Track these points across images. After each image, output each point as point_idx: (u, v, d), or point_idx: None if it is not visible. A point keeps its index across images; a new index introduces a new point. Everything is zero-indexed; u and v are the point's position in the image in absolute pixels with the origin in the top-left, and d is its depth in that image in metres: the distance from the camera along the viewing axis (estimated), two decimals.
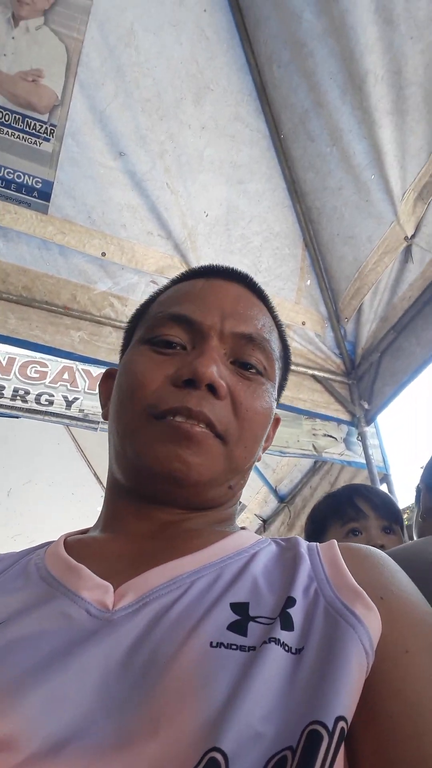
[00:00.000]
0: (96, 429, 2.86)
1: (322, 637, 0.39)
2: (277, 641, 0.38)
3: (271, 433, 0.66)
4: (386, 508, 1.33)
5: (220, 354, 0.55)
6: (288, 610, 0.41)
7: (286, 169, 2.16)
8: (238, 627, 0.39)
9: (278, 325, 0.66)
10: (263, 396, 0.57)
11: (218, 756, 0.31)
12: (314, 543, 0.52)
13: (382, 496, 1.38)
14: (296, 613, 0.41)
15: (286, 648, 0.38)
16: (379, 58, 1.68)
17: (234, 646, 0.38)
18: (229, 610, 0.41)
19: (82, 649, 0.38)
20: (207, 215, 2.16)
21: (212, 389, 0.52)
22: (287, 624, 0.40)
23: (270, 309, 0.65)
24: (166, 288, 0.67)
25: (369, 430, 2.59)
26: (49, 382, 2.82)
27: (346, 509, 1.33)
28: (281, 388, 0.69)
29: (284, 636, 0.39)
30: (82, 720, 0.33)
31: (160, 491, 0.52)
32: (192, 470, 0.50)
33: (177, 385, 0.53)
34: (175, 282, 0.66)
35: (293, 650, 0.38)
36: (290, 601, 0.42)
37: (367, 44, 1.66)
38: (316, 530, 1.38)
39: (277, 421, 0.67)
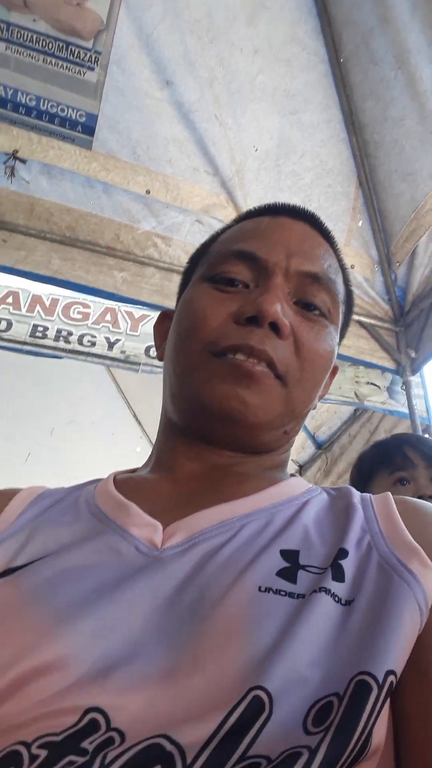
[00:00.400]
0: (137, 370, 2.88)
1: (375, 591, 0.39)
2: (328, 591, 0.38)
3: (328, 381, 0.64)
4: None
5: (285, 293, 0.54)
6: (340, 561, 0.41)
7: (344, 98, 2.00)
8: (288, 574, 0.40)
9: (343, 268, 0.64)
10: (326, 339, 0.56)
11: (262, 694, 0.31)
12: (368, 494, 0.51)
13: (431, 444, 1.35)
14: (348, 564, 0.41)
15: (336, 599, 0.38)
16: None
17: (283, 592, 0.38)
18: (278, 556, 0.41)
19: (131, 584, 0.38)
20: (257, 149, 2.05)
21: (275, 328, 0.51)
22: (338, 575, 0.40)
23: (336, 250, 0.63)
24: (229, 227, 0.65)
25: (414, 379, 2.52)
26: (92, 323, 2.83)
27: (395, 458, 1.30)
28: (342, 335, 0.67)
29: (335, 587, 0.39)
30: (130, 648, 0.34)
31: (215, 431, 0.52)
32: (250, 411, 0.49)
33: (239, 322, 0.51)
34: (238, 221, 0.65)
35: (343, 601, 0.38)
36: (342, 553, 0.42)
37: None
38: (362, 478, 1.37)
39: (335, 369, 0.65)
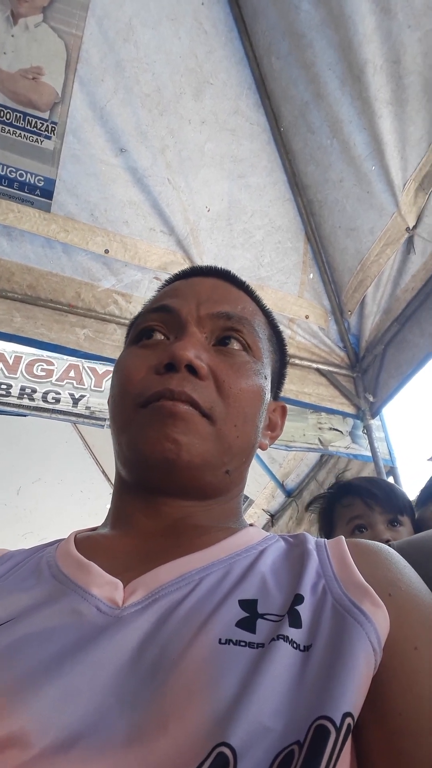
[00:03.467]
0: (103, 426, 2.87)
1: (330, 634, 0.39)
2: (286, 638, 0.38)
3: (278, 420, 0.66)
4: (390, 501, 1.30)
5: (200, 339, 0.57)
6: (296, 608, 0.41)
7: (287, 162, 2.15)
8: (247, 624, 0.40)
9: (264, 311, 0.67)
10: (248, 372, 0.57)
11: (227, 751, 0.31)
12: (322, 539, 0.52)
13: (386, 488, 1.35)
14: (304, 610, 0.41)
15: (295, 645, 0.38)
16: (378, 47, 1.67)
17: (243, 643, 0.38)
18: (237, 606, 0.41)
19: (92, 646, 0.38)
20: (209, 210, 2.16)
21: (192, 371, 0.53)
22: (295, 621, 0.40)
23: (253, 297, 0.66)
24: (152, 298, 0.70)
25: (374, 422, 2.58)
26: (56, 380, 2.84)
27: (349, 506, 1.31)
28: (281, 376, 0.70)
29: (292, 633, 0.39)
30: (93, 716, 0.34)
31: (159, 479, 0.52)
32: (182, 449, 0.50)
33: (159, 372, 0.54)
34: (159, 290, 0.69)
35: (301, 647, 0.38)
36: (298, 599, 0.42)
37: (366, 34, 1.66)
38: (324, 528, 1.37)
39: (283, 409, 0.67)
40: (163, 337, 0.58)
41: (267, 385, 0.61)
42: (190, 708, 0.34)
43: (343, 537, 0.51)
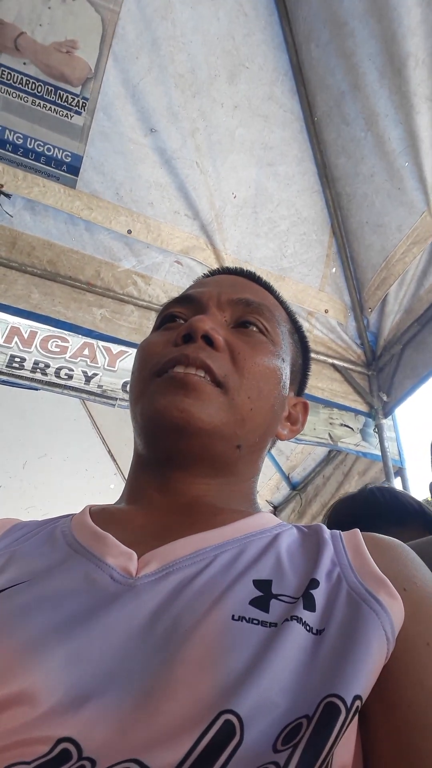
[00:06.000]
0: (114, 405, 2.88)
1: (344, 620, 0.39)
2: (299, 620, 0.38)
3: (299, 416, 0.66)
4: (393, 512, 1.29)
5: (219, 320, 0.58)
6: (311, 591, 0.42)
7: (318, 153, 2.12)
8: (261, 603, 0.40)
9: (287, 310, 0.69)
10: (264, 351, 0.58)
11: (233, 718, 0.32)
12: (337, 531, 0.52)
13: (391, 499, 1.33)
14: (319, 594, 0.42)
15: (308, 627, 0.38)
16: (422, 41, 1.63)
17: (256, 621, 0.38)
18: (251, 585, 0.42)
19: (104, 612, 0.39)
20: (235, 196, 2.13)
21: (209, 341, 0.54)
22: (309, 604, 0.40)
23: (275, 295, 0.68)
24: None
25: (386, 422, 2.56)
26: (70, 357, 2.84)
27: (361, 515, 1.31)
28: (304, 374, 0.70)
29: (306, 616, 0.39)
30: (102, 678, 0.34)
31: (168, 447, 0.53)
32: (193, 418, 0.50)
33: (177, 344, 0.55)
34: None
35: (314, 630, 0.39)
36: (313, 583, 0.43)
37: (410, 26, 1.61)
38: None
39: (305, 405, 0.67)
40: (183, 320, 0.60)
41: (285, 368, 0.61)
42: (199, 677, 0.34)
43: (358, 530, 0.51)
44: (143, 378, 0.56)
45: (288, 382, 0.62)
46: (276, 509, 3.70)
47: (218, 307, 0.59)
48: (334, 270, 2.36)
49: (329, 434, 2.78)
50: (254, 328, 0.59)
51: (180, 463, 0.54)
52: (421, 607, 0.42)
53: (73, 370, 2.78)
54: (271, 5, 1.91)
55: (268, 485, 3.67)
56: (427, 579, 0.46)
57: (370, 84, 1.80)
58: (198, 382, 0.52)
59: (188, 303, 0.61)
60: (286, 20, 1.92)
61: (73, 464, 4.26)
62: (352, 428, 2.80)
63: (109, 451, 4.31)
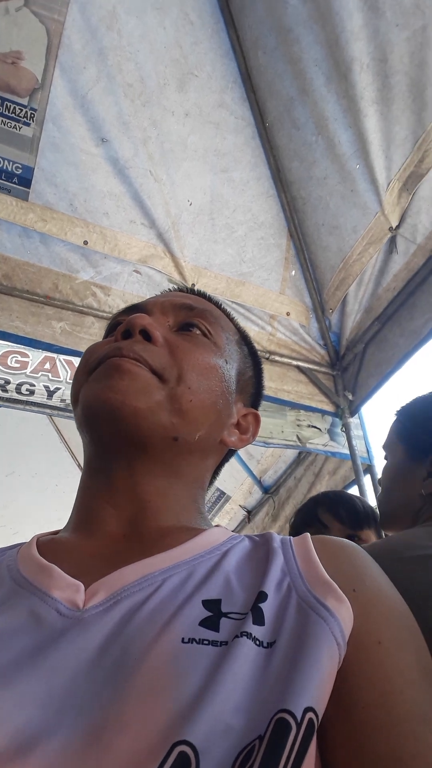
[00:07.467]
0: None
1: (294, 631, 0.39)
2: (248, 635, 0.38)
3: (249, 426, 0.65)
4: (350, 517, 1.29)
5: (161, 322, 0.59)
6: (259, 605, 0.41)
7: (271, 158, 2.13)
8: (210, 623, 0.39)
9: (234, 322, 0.69)
10: (206, 349, 0.58)
11: (188, 749, 0.30)
12: (288, 537, 0.52)
13: (347, 504, 1.34)
14: (268, 607, 0.41)
15: (257, 642, 0.38)
16: (365, 45, 1.66)
17: (206, 642, 0.38)
18: (201, 606, 0.41)
19: (52, 649, 0.37)
20: (191, 204, 2.13)
21: (147, 337, 0.54)
22: (258, 618, 0.40)
23: (223, 310, 0.69)
24: None
25: (353, 421, 2.59)
26: (30, 372, 2.78)
27: (312, 522, 1.31)
28: (257, 386, 0.70)
29: (255, 630, 0.39)
30: (52, 719, 0.33)
31: (107, 435, 0.52)
32: (128, 398, 0.50)
33: (117, 341, 0.55)
34: None
35: (264, 644, 0.38)
36: (262, 596, 0.42)
37: (353, 31, 1.65)
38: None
39: (256, 417, 0.66)
40: None
41: (228, 369, 0.61)
42: (150, 707, 0.33)
43: (308, 534, 0.51)
44: (80, 376, 0.56)
45: (233, 386, 0.62)
46: (250, 514, 3.70)
47: (162, 313, 0.60)
48: (293, 273, 2.38)
49: (297, 436, 2.80)
50: (197, 331, 0.59)
51: (119, 452, 0.53)
52: (371, 606, 0.43)
53: (34, 385, 2.72)
54: (217, 13, 1.92)
55: (240, 490, 3.67)
56: (376, 578, 0.46)
57: (317, 89, 1.83)
58: (131, 364, 0.51)
59: (134, 311, 0.61)
60: (233, 28, 1.93)
61: (42, 480, 4.17)
62: (319, 429, 2.83)
63: (79, 465, 4.24)
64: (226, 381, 0.60)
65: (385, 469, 1.14)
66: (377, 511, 1.32)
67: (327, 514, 1.30)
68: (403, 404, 1.14)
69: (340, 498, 1.38)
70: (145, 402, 0.51)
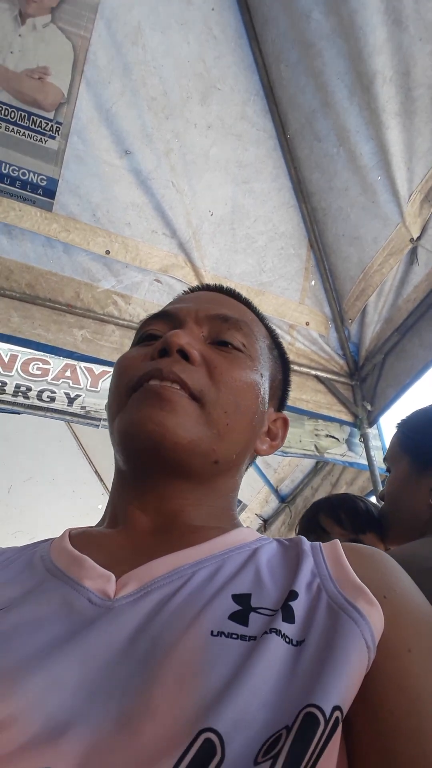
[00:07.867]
0: (98, 426, 2.86)
1: (324, 631, 0.39)
2: (278, 632, 0.38)
3: (278, 431, 0.66)
4: (351, 521, 1.27)
5: (196, 333, 0.58)
6: (290, 603, 0.42)
7: (292, 169, 2.15)
8: (240, 617, 0.40)
9: (266, 325, 0.69)
10: (241, 366, 0.58)
11: (213, 736, 0.31)
12: (318, 542, 0.52)
13: (348, 507, 1.31)
14: (298, 606, 0.41)
15: (287, 639, 0.38)
16: (388, 59, 1.67)
17: (234, 635, 0.38)
18: (230, 600, 0.42)
19: (83, 637, 0.38)
20: (212, 214, 2.15)
21: (184, 356, 0.54)
22: (288, 616, 0.40)
23: (254, 311, 0.68)
24: None
25: (371, 431, 2.58)
26: (51, 379, 2.83)
27: (314, 528, 1.30)
28: (284, 390, 0.70)
29: (285, 628, 0.39)
30: (83, 704, 0.34)
31: (146, 462, 0.53)
32: (168, 431, 0.50)
33: (153, 358, 0.56)
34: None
35: (294, 642, 0.38)
36: (292, 595, 0.42)
37: (376, 45, 1.66)
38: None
39: (285, 421, 0.67)
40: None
41: (263, 383, 0.61)
42: (179, 696, 0.34)
43: (338, 540, 0.51)
44: (119, 393, 0.56)
45: (267, 397, 0.63)
46: (266, 523, 3.69)
47: (196, 323, 0.60)
48: (313, 283, 2.38)
49: (315, 446, 2.79)
50: (231, 347, 0.59)
51: (157, 478, 0.54)
52: (402, 613, 0.43)
53: (55, 393, 2.77)
54: (240, 28, 1.94)
55: (257, 498, 3.66)
56: (406, 586, 0.46)
57: (340, 101, 1.84)
58: (173, 394, 0.52)
59: (166, 319, 0.61)
60: (255, 42, 1.96)
61: (60, 486, 4.21)
62: (337, 439, 2.82)
63: (96, 472, 4.27)
64: (262, 395, 0.61)
65: (390, 481, 1.14)
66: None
67: (328, 519, 1.28)
68: (404, 417, 1.15)
69: (341, 501, 1.35)
70: (186, 435, 0.51)
